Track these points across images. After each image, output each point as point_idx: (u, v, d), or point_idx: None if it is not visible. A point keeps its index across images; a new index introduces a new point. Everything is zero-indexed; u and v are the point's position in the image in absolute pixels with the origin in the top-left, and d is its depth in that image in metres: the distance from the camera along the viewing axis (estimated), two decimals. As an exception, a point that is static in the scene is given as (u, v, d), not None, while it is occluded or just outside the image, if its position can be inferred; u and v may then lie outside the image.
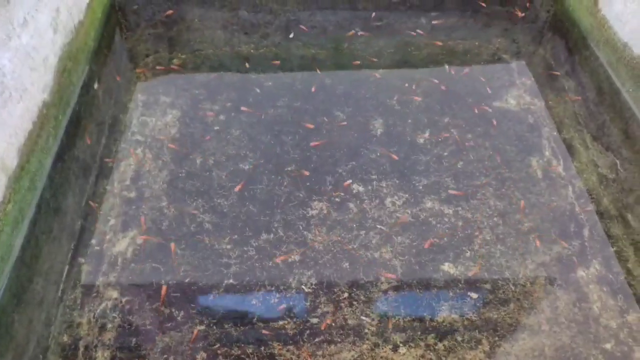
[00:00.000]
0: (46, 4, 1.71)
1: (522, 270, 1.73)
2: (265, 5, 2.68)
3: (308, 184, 1.96)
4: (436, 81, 2.35)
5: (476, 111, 2.21)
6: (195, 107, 2.21)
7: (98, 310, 1.62)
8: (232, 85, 2.31)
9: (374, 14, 2.69)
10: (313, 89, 2.30)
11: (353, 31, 2.59)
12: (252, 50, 2.48)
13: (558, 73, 2.36)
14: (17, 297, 1.43)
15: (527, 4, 2.68)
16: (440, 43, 2.53)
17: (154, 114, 2.19)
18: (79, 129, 1.91)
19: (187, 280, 1.68)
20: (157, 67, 2.39)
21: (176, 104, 2.23)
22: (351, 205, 1.89)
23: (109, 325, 1.59)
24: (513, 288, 1.69)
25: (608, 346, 1.55)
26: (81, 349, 1.54)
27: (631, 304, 1.64)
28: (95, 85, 2.08)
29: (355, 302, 1.65)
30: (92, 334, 1.57)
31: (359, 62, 2.44)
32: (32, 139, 1.59)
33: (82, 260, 1.73)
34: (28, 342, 1.47)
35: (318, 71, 2.39)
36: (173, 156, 2.03)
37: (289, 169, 2.00)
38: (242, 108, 2.21)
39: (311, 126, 2.15)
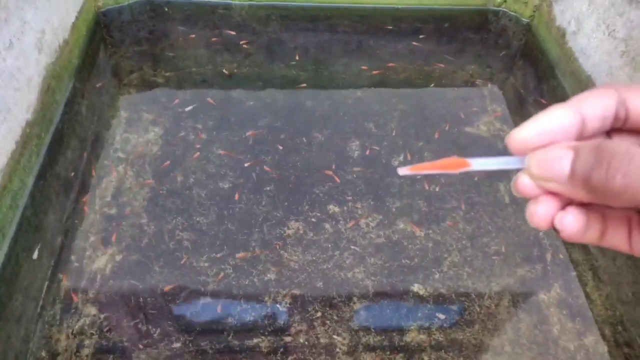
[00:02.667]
0: (32, 27, 1.75)
1: (488, 292, 1.81)
2: (249, 25, 2.75)
3: (286, 203, 2.02)
4: (412, 105, 2.43)
5: (449, 136, 2.31)
6: (178, 125, 2.26)
7: (76, 327, 1.66)
8: (214, 104, 2.37)
9: (353, 37, 2.77)
10: (293, 110, 2.37)
11: (333, 54, 2.67)
12: (234, 70, 2.54)
13: (527, 100, 2.47)
14: (-4, 314, 1.46)
15: (501, 32, 2.80)
16: (417, 68, 2.62)
17: (137, 131, 2.23)
18: (61, 146, 1.95)
19: (165, 298, 1.73)
20: (141, 84, 2.43)
21: (158, 122, 2.27)
22: (327, 225, 1.96)
23: (87, 342, 1.63)
24: (478, 309, 1.77)
25: (565, 367, 1.64)
26: (58, 365, 1.57)
27: (588, 326, 1.74)
28: (79, 102, 2.11)
29: (328, 322, 1.72)
30: (70, 350, 1.61)
31: (338, 85, 2.51)
32: (15, 159, 1.62)
33: (61, 276, 1.76)
34: (6, 357, 1.50)
35: (299, 92, 2.46)
36: (154, 173, 2.08)
37: (268, 188, 2.06)
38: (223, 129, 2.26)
39: (288, 146, 2.22)
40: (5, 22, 1.56)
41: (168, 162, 2.12)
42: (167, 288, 1.75)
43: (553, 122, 0.33)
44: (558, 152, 0.32)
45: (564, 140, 0.33)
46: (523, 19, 2.75)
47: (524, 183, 0.35)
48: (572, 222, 0.34)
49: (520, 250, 1.94)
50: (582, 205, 0.34)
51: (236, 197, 2.02)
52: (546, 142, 0.33)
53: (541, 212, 0.35)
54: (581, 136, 0.34)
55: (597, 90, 0.34)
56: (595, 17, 2.07)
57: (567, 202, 0.35)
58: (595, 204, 0.33)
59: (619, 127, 0.35)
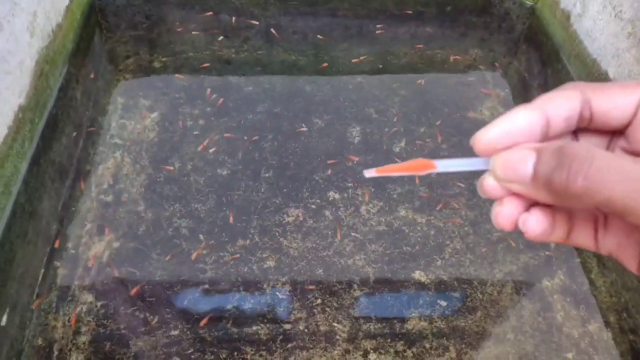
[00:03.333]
0: (23, 9, 1.71)
1: (490, 279, 1.79)
2: (247, 9, 2.69)
3: (285, 190, 1.99)
4: (414, 90, 2.39)
5: (452, 122, 2.27)
6: (175, 111, 2.22)
7: (73, 314, 1.64)
8: (212, 89, 2.33)
9: (354, 21, 2.72)
10: (292, 96, 2.33)
11: (333, 38, 2.62)
12: (233, 55, 2.50)
13: (531, 84, 2.42)
14: (-10, 302, 1.44)
15: (504, 15, 2.74)
16: (418, 52, 2.57)
17: (133, 117, 2.19)
18: (56, 132, 1.91)
19: (162, 285, 1.71)
20: (137, 70, 2.39)
21: (156, 107, 2.23)
22: (327, 212, 1.93)
23: (84, 329, 1.61)
24: (481, 297, 1.75)
25: (570, 355, 1.62)
26: (55, 352, 1.55)
27: (592, 313, 1.71)
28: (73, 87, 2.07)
29: (327, 309, 1.69)
30: (67, 337, 1.59)
31: (338, 69, 2.47)
32: (7, 144, 1.59)
33: (57, 264, 1.74)
34: (1, 346, 1.48)
35: (298, 77, 2.42)
36: (151, 160, 2.05)
37: (267, 175, 2.03)
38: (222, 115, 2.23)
39: (288, 132, 2.18)
40: (-6, 3, 1.52)
41: (165, 148, 2.08)
42: (164, 276, 1.73)
43: (517, 123, 0.33)
44: (521, 154, 0.32)
45: (529, 141, 0.33)
46: (527, 2, 2.69)
47: (488, 184, 0.35)
48: (534, 224, 0.34)
49: (523, 237, 1.90)
50: (547, 206, 0.34)
51: (235, 184, 1.99)
52: (511, 144, 0.33)
53: (505, 213, 0.35)
54: (546, 137, 0.34)
55: (561, 90, 0.34)
56: (601, -1, 2.02)
57: (532, 203, 0.34)
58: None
59: (584, 127, 0.35)
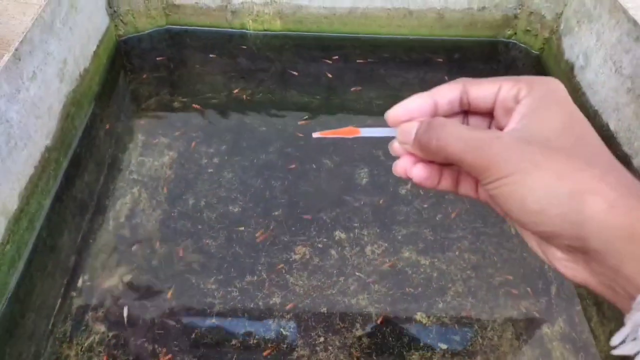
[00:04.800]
0: (54, 57, 1.85)
1: (491, 324, 1.82)
2: (263, 54, 2.83)
3: (293, 228, 2.06)
4: (421, 134, 2.47)
5: (457, 165, 2.33)
6: (191, 150, 2.34)
7: (86, 344, 1.71)
8: (227, 129, 2.44)
9: (366, 67, 2.84)
10: (304, 136, 2.43)
11: (345, 82, 2.74)
12: (248, 96, 2.62)
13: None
14: (9, 331, 1.52)
15: (511, 63, 2.84)
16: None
17: (152, 154, 2.31)
18: (79, 169, 2.03)
19: (172, 317, 1.77)
20: (158, 109, 2.52)
21: (173, 146, 2.35)
22: (333, 251, 1.99)
23: (95, 359, 1.68)
24: (481, 341, 1.77)
25: (567, 402, 1.63)
26: (67, 382, 1.62)
27: (592, 361, 1.72)
28: (99, 126, 2.20)
29: (330, 347, 1.74)
30: (78, 367, 1.65)
31: (349, 111, 2.57)
32: (33, 182, 1.70)
33: (73, 294, 1.82)
34: (17, 373, 1.55)
35: (310, 118, 2.53)
36: (167, 196, 2.15)
37: (276, 213, 2.11)
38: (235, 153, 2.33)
39: (298, 172, 2.27)
40: (29, 54, 1.65)
41: (181, 185, 2.18)
42: (174, 308, 1.80)
43: (414, 104, 0.47)
44: (411, 125, 0.46)
45: (421, 117, 0.47)
46: (533, 51, 2.79)
47: (395, 146, 0.49)
48: (417, 172, 0.48)
49: (525, 282, 1.94)
50: (431, 162, 0.48)
51: (246, 221, 2.07)
52: (409, 118, 0.47)
53: (400, 165, 0.49)
54: (436, 114, 0.48)
55: (448, 83, 0.48)
56: (602, 53, 2.10)
57: (419, 160, 0.48)
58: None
59: (470, 110, 0.48)
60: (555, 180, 0.37)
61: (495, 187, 0.39)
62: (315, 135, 0.54)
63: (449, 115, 0.48)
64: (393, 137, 0.49)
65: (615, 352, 0.35)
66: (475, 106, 0.47)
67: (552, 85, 0.43)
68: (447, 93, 0.47)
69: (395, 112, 0.48)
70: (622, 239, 0.35)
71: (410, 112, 0.47)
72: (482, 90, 0.46)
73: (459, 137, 0.41)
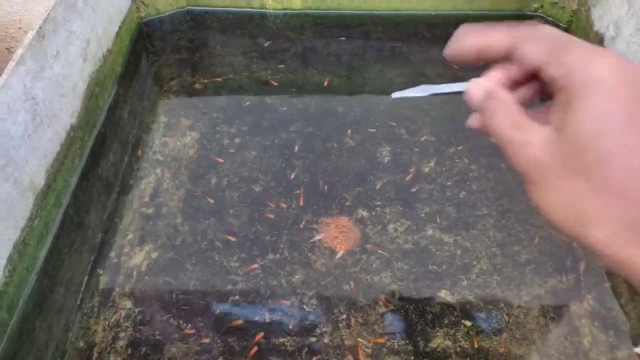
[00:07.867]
0: (77, 37, 1.87)
1: (517, 301, 1.78)
2: (284, 33, 2.81)
3: (315, 207, 2.05)
4: (445, 111, 2.43)
5: (482, 144, 2.28)
6: (213, 130, 2.34)
7: (113, 319, 1.75)
8: (249, 109, 2.44)
9: (387, 44, 2.79)
10: (325, 116, 2.41)
11: (366, 60, 2.70)
12: (269, 76, 2.61)
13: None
14: (39, 305, 1.57)
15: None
16: (451, 73, 2.61)
17: (175, 134, 2.33)
18: (103, 149, 2.06)
19: (196, 295, 1.80)
20: (180, 90, 2.54)
21: (195, 126, 2.36)
22: (355, 229, 1.98)
23: (122, 334, 1.71)
24: (507, 318, 1.75)
25: (596, 380, 1.59)
26: (95, 355, 1.66)
27: (622, 340, 1.68)
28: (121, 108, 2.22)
29: (352, 324, 1.73)
30: (106, 341, 1.69)
31: (371, 90, 2.54)
32: (60, 160, 1.73)
33: (100, 271, 1.86)
34: (47, 347, 1.60)
35: (331, 97, 2.50)
36: (190, 176, 2.16)
37: (298, 192, 2.10)
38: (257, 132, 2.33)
39: (319, 151, 2.25)
40: (53, 33, 1.68)
41: (203, 164, 2.20)
42: (198, 286, 1.82)
43: (491, 39, 0.49)
44: (477, 90, 0.50)
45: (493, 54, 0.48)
46: (561, 24, 2.69)
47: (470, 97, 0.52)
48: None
49: (552, 260, 1.90)
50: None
51: (268, 200, 2.07)
52: (477, 55, 0.49)
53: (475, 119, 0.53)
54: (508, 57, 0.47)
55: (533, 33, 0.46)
56: (635, 22, 2.01)
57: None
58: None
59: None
60: (564, 206, 0.38)
61: (527, 189, 0.42)
62: (394, 95, 0.56)
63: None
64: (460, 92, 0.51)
65: None
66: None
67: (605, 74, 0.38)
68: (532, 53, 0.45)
69: (470, 42, 0.48)
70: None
71: (481, 49, 0.48)
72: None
73: (501, 134, 0.44)
